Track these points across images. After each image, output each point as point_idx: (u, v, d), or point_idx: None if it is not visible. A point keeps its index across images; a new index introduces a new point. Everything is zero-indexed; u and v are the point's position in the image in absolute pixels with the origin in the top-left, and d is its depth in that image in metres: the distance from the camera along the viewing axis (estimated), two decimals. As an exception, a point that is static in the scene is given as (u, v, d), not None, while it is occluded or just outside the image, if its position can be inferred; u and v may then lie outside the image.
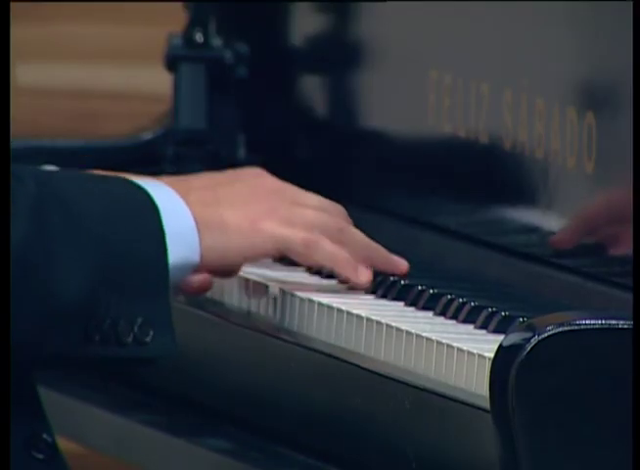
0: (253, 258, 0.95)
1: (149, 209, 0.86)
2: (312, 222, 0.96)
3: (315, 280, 1.07)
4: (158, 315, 0.85)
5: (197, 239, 0.89)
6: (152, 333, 0.84)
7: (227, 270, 0.96)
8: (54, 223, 0.81)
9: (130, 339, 0.84)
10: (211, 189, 0.93)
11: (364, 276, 0.97)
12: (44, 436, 0.85)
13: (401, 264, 1.00)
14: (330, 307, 0.96)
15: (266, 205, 0.94)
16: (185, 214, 0.89)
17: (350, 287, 1.00)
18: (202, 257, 0.90)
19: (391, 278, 1.02)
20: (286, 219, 0.94)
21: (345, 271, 0.97)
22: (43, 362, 0.86)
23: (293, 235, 0.94)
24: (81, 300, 0.82)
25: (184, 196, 0.90)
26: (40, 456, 0.84)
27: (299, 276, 1.08)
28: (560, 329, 0.69)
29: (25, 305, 0.79)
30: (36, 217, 0.80)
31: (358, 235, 0.99)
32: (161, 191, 0.89)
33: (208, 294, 1.02)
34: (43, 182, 0.83)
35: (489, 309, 0.90)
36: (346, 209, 1.06)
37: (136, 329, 0.84)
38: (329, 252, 0.95)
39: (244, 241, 0.92)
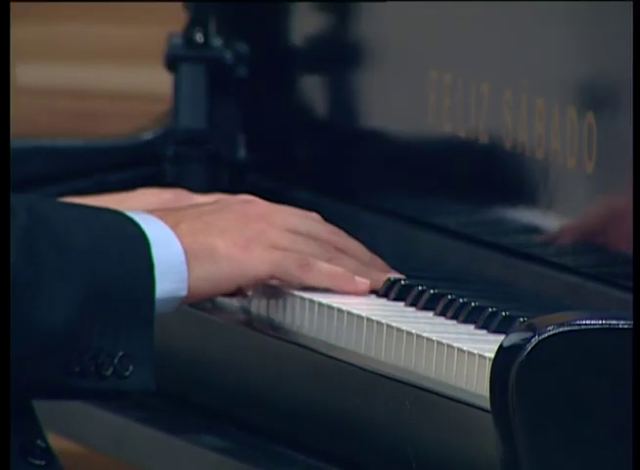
0: (247, 285, 0.95)
1: (139, 241, 0.86)
2: (303, 243, 0.96)
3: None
4: (139, 350, 0.85)
5: (185, 272, 0.89)
6: (131, 368, 0.84)
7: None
8: (43, 255, 0.81)
9: (110, 372, 0.84)
10: (200, 218, 0.93)
11: (363, 286, 0.97)
12: (38, 442, 0.85)
13: (363, 284, 0.99)
14: (330, 307, 0.95)
15: (256, 230, 0.94)
16: (175, 247, 0.89)
17: None
18: (191, 288, 0.90)
19: (392, 278, 1.02)
20: (276, 243, 0.94)
21: (343, 287, 0.96)
22: (20, 390, 0.85)
23: (286, 258, 0.94)
24: (65, 331, 0.82)
25: (174, 227, 0.89)
26: (37, 462, 0.84)
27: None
28: (560, 329, 0.69)
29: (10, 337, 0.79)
30: (26, 249, 0.80)
31: (353, 244, 0.99)
32: (152, 223, 0.89)
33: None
34: (35, 212, 0.83)
35: (490, 310, 0.90)
36: (346, 209, 1.06)
37: (116, 362, 0.84)
38: (324, 271, 0.95)
39: (235, 268, 0.92)
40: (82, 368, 0.83)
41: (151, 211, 0.93)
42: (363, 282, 0.97)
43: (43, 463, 0.85)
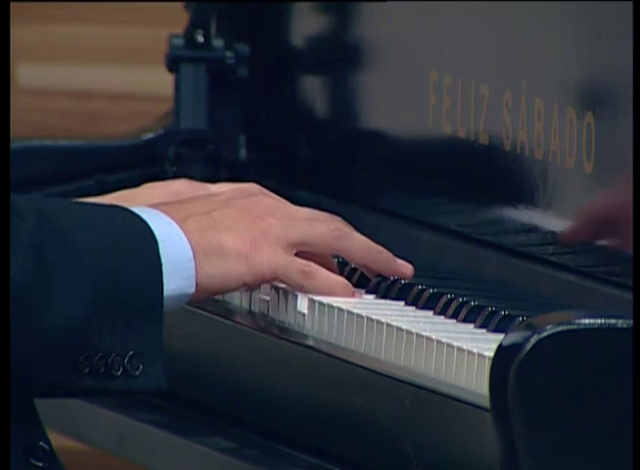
0: (253, 283, 0.95)
1: (147, 239, 0.85)
2: (310, 236, 0.96)
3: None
4: (149, 348, 0.84)
5: (193, 270, 0.88)
6: (141, 367, 0.84)
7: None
8: (52, 256, 0.81)
9: (120, 372, 0.83)
10: (208, 214, 0.93)
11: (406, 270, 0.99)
12: (41, 443, 0.85)
13: (405, 268, 1.00)
14: (330, 307, 0.96)
15: (263, 227, 0.93)
16: (183, 245, 0.88)
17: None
18: (200, 285, 0.89)
19: (392, 278, 1.02)
20: (283, 240, 0.94)
21: (342, 296, 0.97)
22: (29, 391, 0.85)
23: (291, 263, 0.94)
24: (75, 332, 0.81)
25: (181, 223, 0.89)
26: (39, 464, 0.84)
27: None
28: (559, 328, 0.69)
29: (18, 337, 0.79)
30: (35, 251, 0.80)
31: (359, 239, 0.99)
32: (159, 219, 0.88)
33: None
34: (43, 213, 0.83)
35: (489, 309, 0.90)
36: (347, 209, 1.07)
37: (126, 362, 0.83)
38: (325, 281, 0.95)
39: (243, 265, 0.92)
40: (92, 369, 0.82)
41: (157, 205, 0.93)
42: (360, 293, 0.98)
43: (45, 465, 0.84)
